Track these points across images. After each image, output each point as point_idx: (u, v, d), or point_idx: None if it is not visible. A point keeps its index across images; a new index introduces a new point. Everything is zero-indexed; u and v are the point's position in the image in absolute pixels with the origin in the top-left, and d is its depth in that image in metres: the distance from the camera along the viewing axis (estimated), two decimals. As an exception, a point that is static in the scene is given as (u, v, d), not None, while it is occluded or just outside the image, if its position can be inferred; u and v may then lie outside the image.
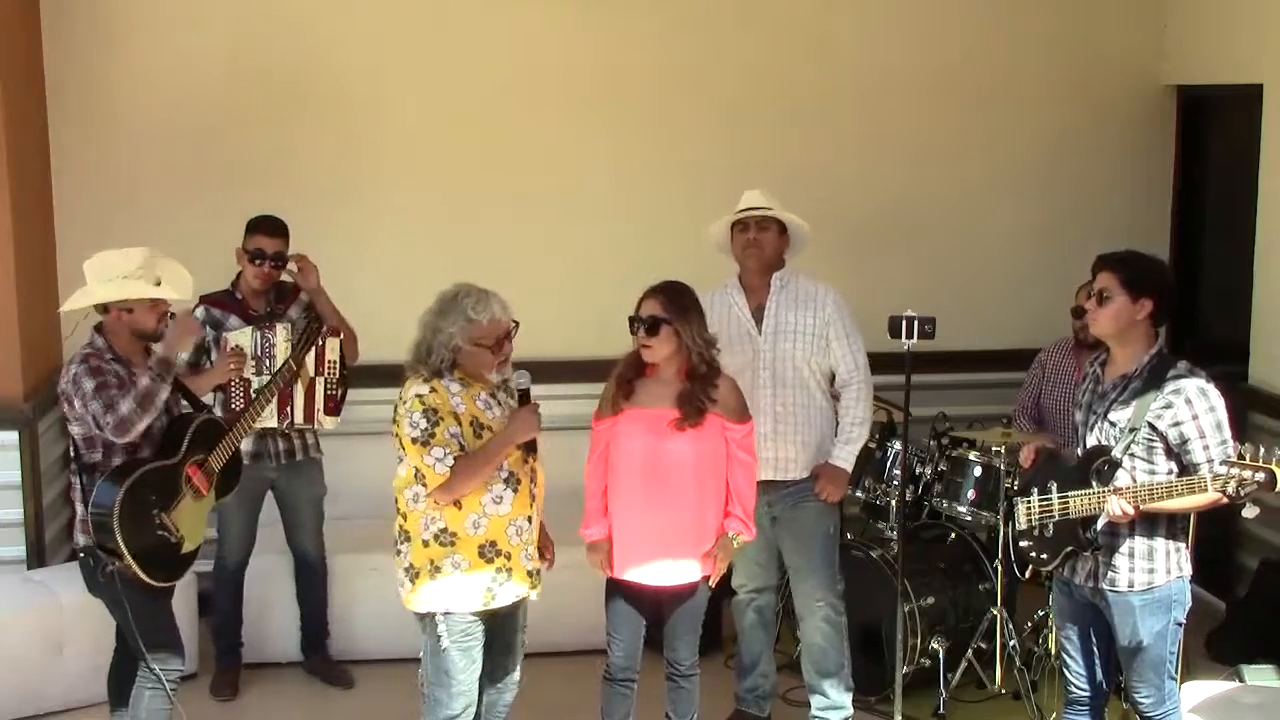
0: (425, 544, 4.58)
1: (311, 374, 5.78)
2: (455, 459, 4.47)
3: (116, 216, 6.54)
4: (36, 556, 6.23)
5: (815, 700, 5.59)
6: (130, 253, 4.81)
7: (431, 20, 6.90)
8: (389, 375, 6.12)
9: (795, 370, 5.40)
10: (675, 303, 4.82)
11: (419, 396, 4.51)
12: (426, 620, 4.64)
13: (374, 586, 6.19)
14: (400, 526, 4.64)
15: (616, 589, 4.96)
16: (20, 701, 5.72)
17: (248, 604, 6.17)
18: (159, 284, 4.81)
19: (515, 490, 4.62)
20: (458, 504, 4.55)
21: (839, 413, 5.48)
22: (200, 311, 5.83)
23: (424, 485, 4.52)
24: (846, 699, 5.57)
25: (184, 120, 6.74)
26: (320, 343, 5.78)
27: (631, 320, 4.86)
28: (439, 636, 4.61)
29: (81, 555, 4.84)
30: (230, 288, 5.93)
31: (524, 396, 4.66)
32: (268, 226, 5.85)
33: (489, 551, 4.60)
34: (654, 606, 4.98)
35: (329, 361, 5.77)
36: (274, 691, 6.12)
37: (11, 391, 6.18)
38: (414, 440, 4.47)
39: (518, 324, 4.68)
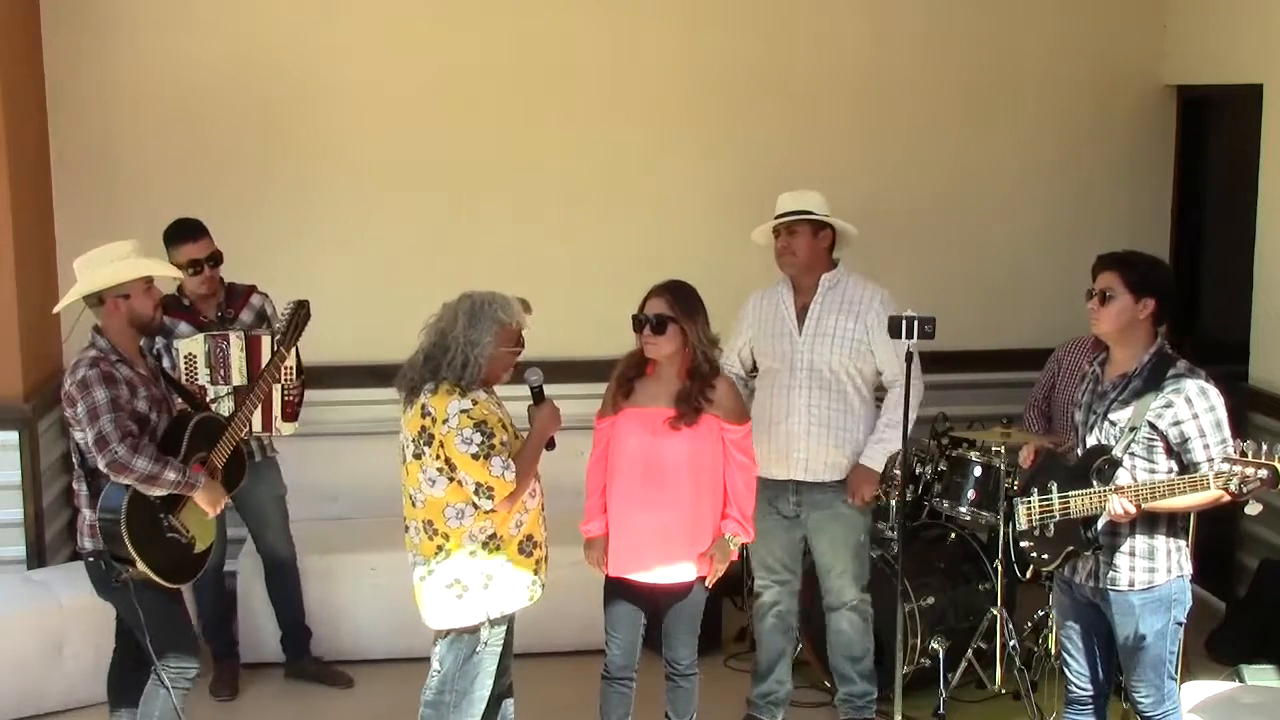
0: (473, 555, 4.56)
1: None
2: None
3: (116, 216, 6.53)
4: (36, 556, 6.23)
5: (843, 687, 5.62)
6: (115, 244, 4.80)
7: (430, 19, 6.89)
8: (388, 376, 6.12)
9: (833, 373, 5.38)
10: (681, 301, 4.83)
11: (464, 412, 4.46)
12: (466, 632, 4.61)
13: (373, 586, 6.20)
14: (439, 548, 4.57)
15: (614, 588, 4.97)
16: (20, 701, 5.72)
17: (244, 605, 6.17)
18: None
19: (538, 480, 4.70)
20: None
21: (880, 412, 5.47)
22: None
23: (488, 499, 4.47)
24: (873, 687, 5.61)
25: (184, 119, 6.75)
26: (275, 348, 5.60)
27: (636, 319, 4.86)
28: (478, 642, 4.61)
29: (90, 560, 4.79)
30: (177, 294, 5.82)
31: (539, 393, 4.70)
32: (189, 233, 5.74)
33: (527, 546, 4.65)
34: (651, 605, 4.98)
35: (286, 367, 5.62)
36: (274, 691, 6.11)
37: (11, 391, 6.18)
38: (474, 456, 4.44)
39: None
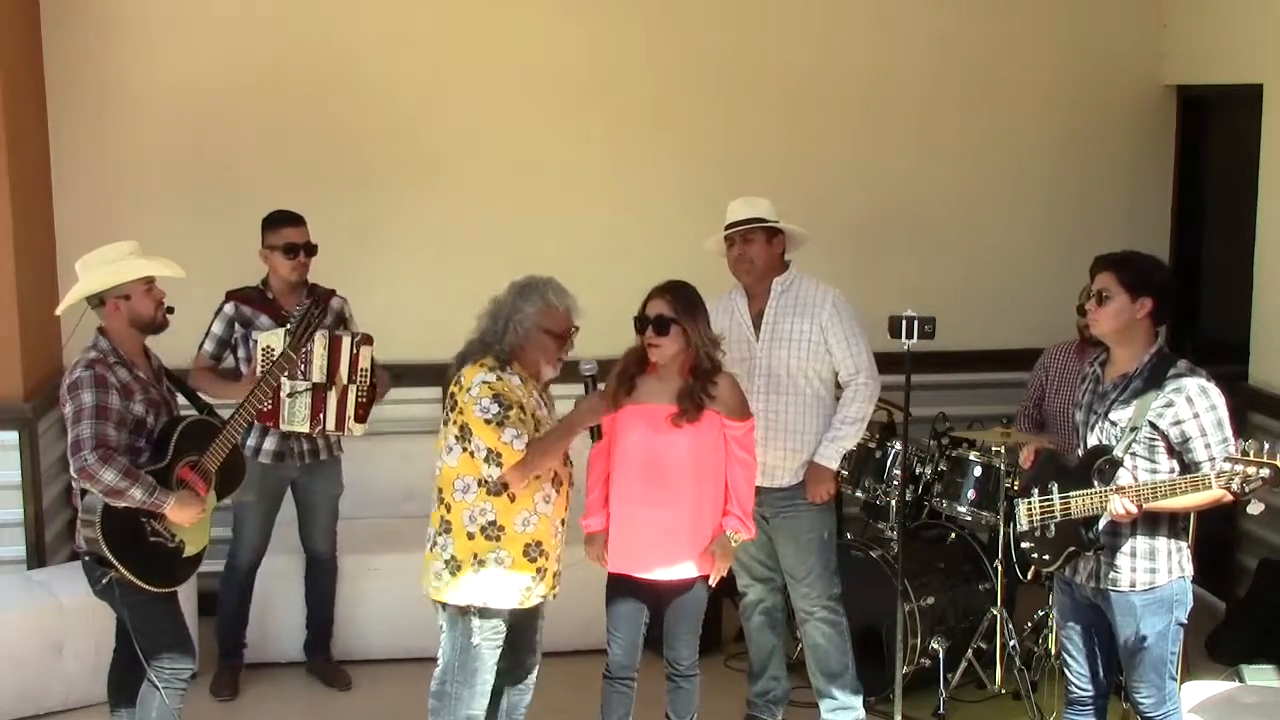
0: (470, 536, 4.62)
1: (345, 381, 5.65)
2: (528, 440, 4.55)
3: (117, 216, 6.52)
4: (36, 556, 6.23)
5: (824, 704, 5.58)
6: (116, 244, 4.80)
7: (436, 20, 6.89)
8: (394, 376, 6.10)
9: (790, 377, 5.37)
10: (682, 302, 4.83)
11: (486, 383, 4.55)
12: (459, 616, 4.66)
13: (376, 587, 6.21)
14: (442, 519, 4.66)
15: (617, 584, 4.96)
16: (20, 701, 5.71)
17: (252, 604, 6.16)
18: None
19: (558, 491, 4.73)
20: (511, 498, 4.61)
21: (837, 409, 5.46)
22: (229, 308, 5.78)
23: (497, 465, 4.53)
24: (856, 700, 5.57)
25: (185, 119, 6.74)
26: (354, 350, 5.66)
27: (638, 320, 4.86)
28: (471, 632, 4.65)
29: (86, 558, 4.78)
30: (260, 286, 5.86)
31: (591, 384, 4.74)
32: (292, 218, 5.82)
33: (533, 551, 4.68)
34: (654, 601, 4.97)
35: (361, 369, 5.67)
36: (274, 691, 6.11)
37: (11, 391, 6.18)
38: (487, 422, 4.52)
39: (577, 328, 4.75)
